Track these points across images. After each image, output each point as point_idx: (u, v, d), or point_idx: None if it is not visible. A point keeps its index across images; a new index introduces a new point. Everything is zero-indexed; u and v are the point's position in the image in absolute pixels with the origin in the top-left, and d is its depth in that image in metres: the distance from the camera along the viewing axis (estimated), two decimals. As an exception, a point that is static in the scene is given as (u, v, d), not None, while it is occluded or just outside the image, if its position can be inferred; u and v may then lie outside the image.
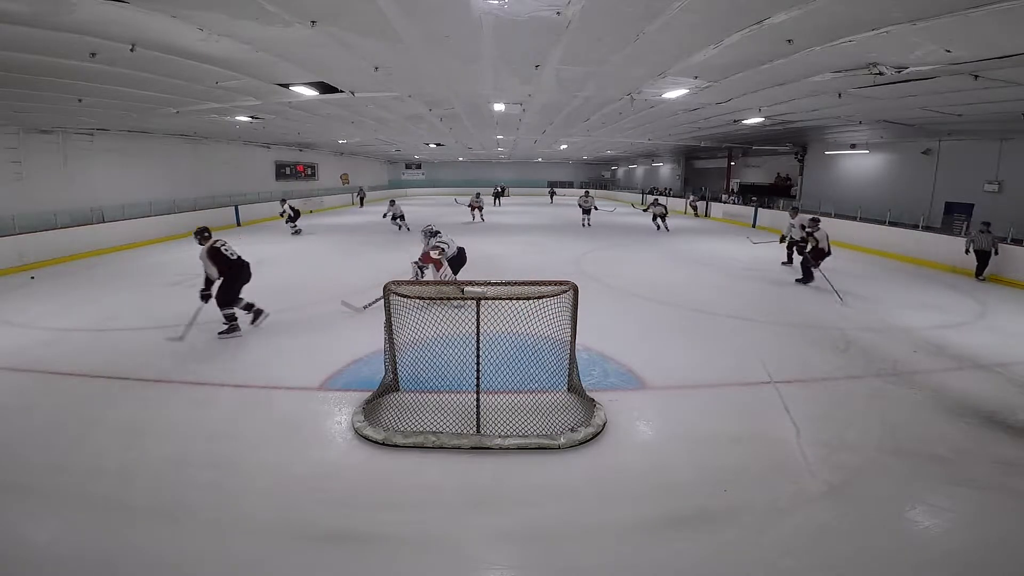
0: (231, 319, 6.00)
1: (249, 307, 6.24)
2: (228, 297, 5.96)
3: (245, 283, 6.14)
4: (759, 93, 8.49)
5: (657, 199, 19.21)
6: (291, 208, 16.03)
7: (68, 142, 13.05)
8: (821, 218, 9.67)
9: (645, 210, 16.56)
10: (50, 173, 12.63)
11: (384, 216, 17.11)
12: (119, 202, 14.32)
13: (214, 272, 5.81)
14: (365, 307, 6.75)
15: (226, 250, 5.98)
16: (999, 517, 2.92)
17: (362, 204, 28.00)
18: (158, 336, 6.02)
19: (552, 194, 33.44)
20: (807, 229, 8.99)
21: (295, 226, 15.95)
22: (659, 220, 17.20)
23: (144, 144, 15.32)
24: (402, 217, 17.12)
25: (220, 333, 5.94)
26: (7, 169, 11.63)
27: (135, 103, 9.44)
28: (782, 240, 10.59)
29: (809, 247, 8.89)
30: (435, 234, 7.80)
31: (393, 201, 17.76)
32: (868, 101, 8.86)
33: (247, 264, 6.16)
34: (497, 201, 28.31)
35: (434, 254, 7.23)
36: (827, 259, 8.85)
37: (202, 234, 6.03)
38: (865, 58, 5.96)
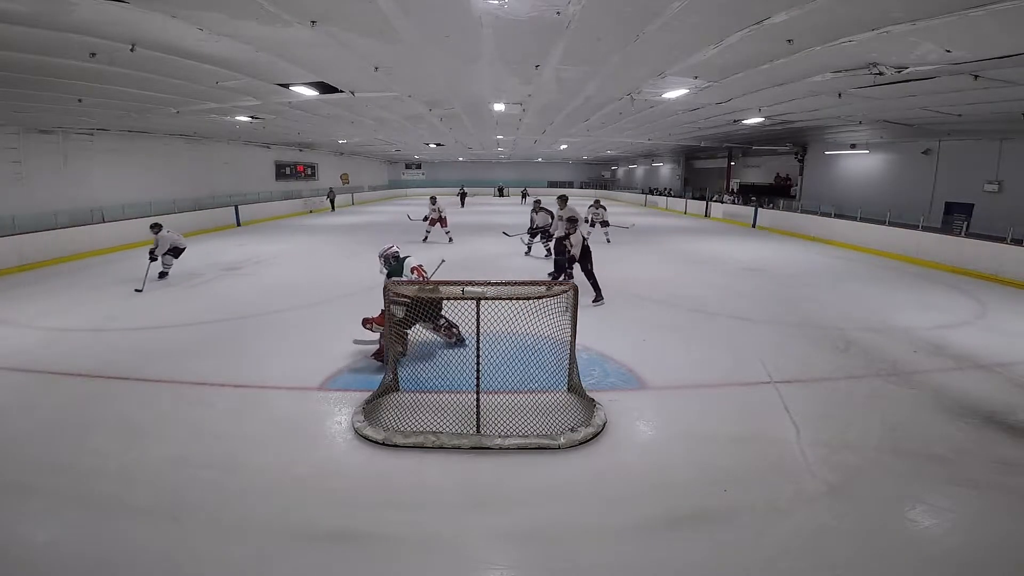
0: None
1: None
2: None
3: None
4: (759, 93, 8.50)
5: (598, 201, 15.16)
6: None
7: (68, 142, 13.05)
8: (579, 219, 7.87)
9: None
10: (50, 173, 12.62)
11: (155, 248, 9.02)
12: (119, 202, 14.31)
13: None
14: (370, 341, 5.43)
15: None
16: (999, 517, 2.92)
17: (333, 208, 25.68)
18: (158, 336, 6.02)
19: (524, 195, 34.33)
20: (567, 229, 7.51)
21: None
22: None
23: (144, 144, 15.32)
24: (174, 253, 9.20)
25: None
26: (7, 169, 11.63)
27: (135, 103, 9.45)
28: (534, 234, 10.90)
29: (566, 251, 7.59)
30: (398, 261, 5.44)
31: (158, 226, 9.00)
32: (868, 101, 8.86)
33: None
34: (462, 203, 27.65)
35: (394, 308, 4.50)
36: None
37: None
38: (865, 58, 5.97)
